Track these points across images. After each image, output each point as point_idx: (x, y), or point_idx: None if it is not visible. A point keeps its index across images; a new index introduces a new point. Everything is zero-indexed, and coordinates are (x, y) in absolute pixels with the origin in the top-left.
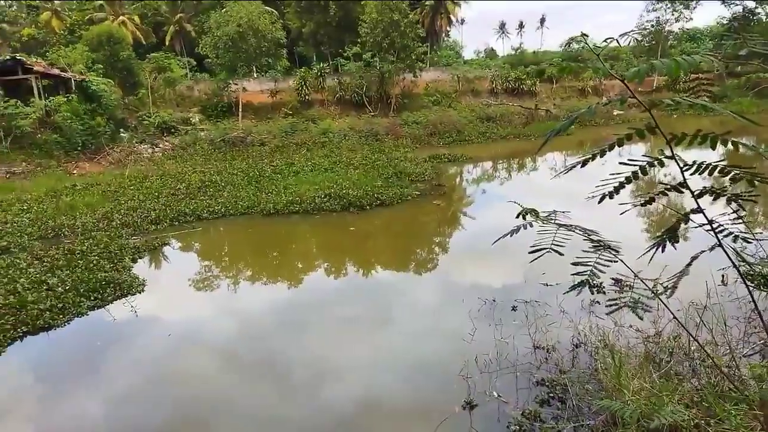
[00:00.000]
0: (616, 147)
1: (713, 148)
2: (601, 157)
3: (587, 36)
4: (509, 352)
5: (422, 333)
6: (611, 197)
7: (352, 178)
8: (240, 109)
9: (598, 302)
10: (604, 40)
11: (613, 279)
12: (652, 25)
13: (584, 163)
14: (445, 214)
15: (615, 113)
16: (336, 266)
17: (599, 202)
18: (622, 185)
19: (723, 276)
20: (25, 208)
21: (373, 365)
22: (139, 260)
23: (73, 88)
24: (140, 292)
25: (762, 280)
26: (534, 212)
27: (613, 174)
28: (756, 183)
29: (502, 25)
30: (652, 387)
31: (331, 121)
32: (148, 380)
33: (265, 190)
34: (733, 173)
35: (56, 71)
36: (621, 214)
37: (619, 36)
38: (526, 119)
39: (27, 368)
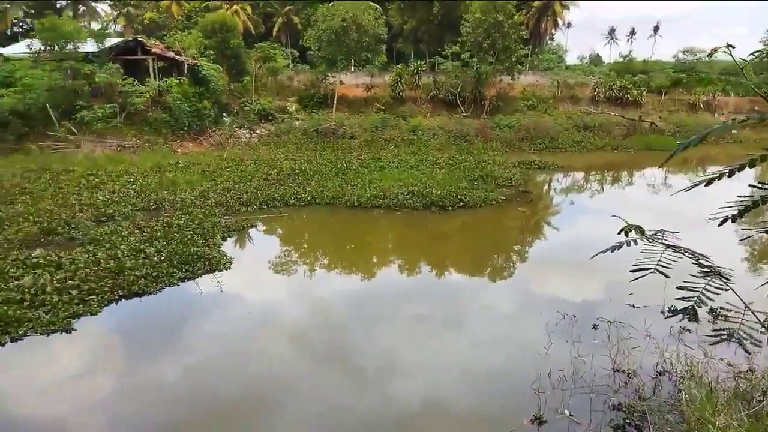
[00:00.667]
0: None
1: None
2: (729, 176)
3: (733, 47)
4: (586, 371)
5: (495, 340)
6: (734, 220)
7: (437, 177)
8: (335, 102)
9: (688, 330)
10: (725, 46)
11: (711, 308)
12: None
13: (709, 183)
14: (528, 222)
15: (717, 132)
16: (412, 264)
17: (720, 225)
18: (747, 209)
19: None
20: (131, 180)
21: (442, 366)
22: (228, 239)
23: (185, 72)
24: (227, 269)
25: None
26: (639, 229)
27: (740, 197)
28: None
29: (612, 31)
30: (739, 425)
31: (422, 118)
32: (226, 353)
33: (350, 183)
34: None
35: (171, 54)
36: (742, 239)
37: (750, 55)
38: (627, 131)
39: (118, 329)
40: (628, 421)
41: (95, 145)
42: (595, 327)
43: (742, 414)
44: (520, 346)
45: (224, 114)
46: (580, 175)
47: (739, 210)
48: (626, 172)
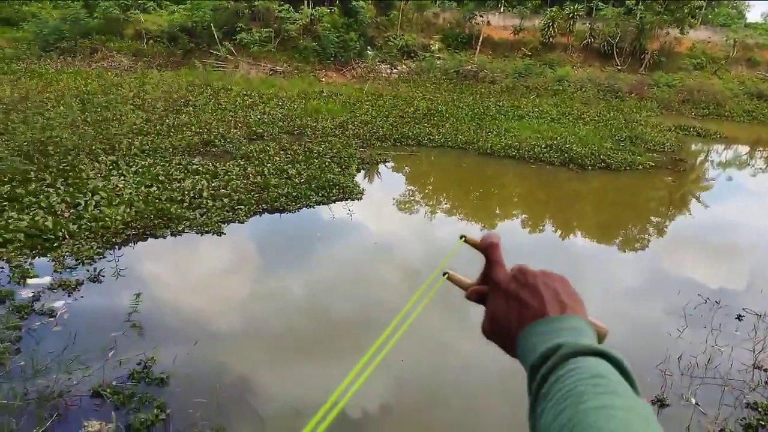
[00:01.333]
0: None
1: None
2: None
3: None
4: (722, 362)
5: (622, 313)
6: None
7: (579, 133)
8: (479, 43)
9: None
10: None
11: None
12: None
13: None
14: (674, 194)
15: None
16: (537, 220)
17: None
18: None
19: None
20: (280, 104)
21: None
22: (361, 170)
23: (336, 2)
24: (359, 199)
25: None
26: None
27: None
28: None
29: None
30: None
31: (571, 68)
32: (348, 277)
33: (485, 129)
34: None
35: None
36: None
37: None
38: None
39: (259, 239)
40: (762, 422)
41: (251, 66)
42: (739, 318)
43: None
44: (650, 323)
45: (368, 47)
46: (744, 149)
47: None
48: None
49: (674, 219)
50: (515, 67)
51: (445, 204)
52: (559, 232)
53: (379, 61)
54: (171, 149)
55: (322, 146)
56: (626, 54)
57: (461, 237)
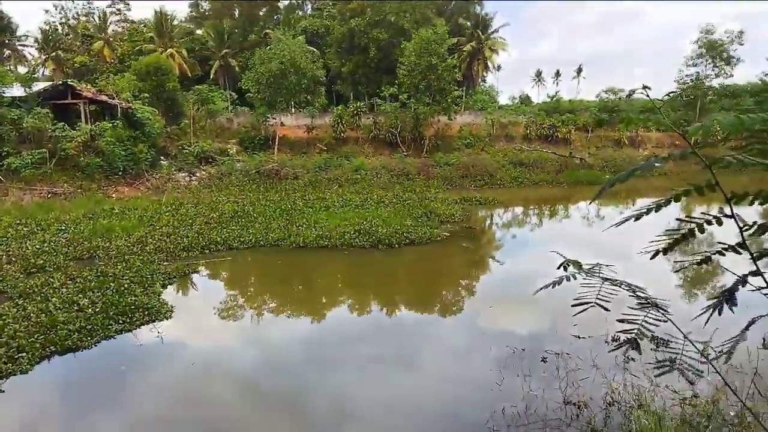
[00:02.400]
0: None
1: None
2: (656, 211)
3: (649, 88)
4: (538, 405)
5: (447, 379)
6: (665, 253)
7: (382, 215)
8: (276, 143)
9: (632, 359)
10: (641, 88)
11: (652, 336)
12: (692, 80)
13: (638, 218)
14: (473, 257)
15: (640, 170)
16: (361, 304)
17: (652, 258)
18: (677, 242)
19: (765, 338)
20: (62, 228)
21: (395, 408)
22: (168, 286)
23: (119, 115)
24: (168, 318)
25: None
26: (577, 264)
27: (668, 231)
28: None
29: (539, 73)
30: None
31: (365, 158)
32: (169, 406)
33: (296, 223)
34: None
35: (104, 98)
36: (676, 271)
37: (665, 96)
38: (560, 166)
39: (52, 388)
40: None
41: (24, 192)
42: (544, 360)
43: None
44: (473, 383)
45: (161, 157)
46: (519, 210)
47: (669, 243)
48: (561, 206)
49: (478, 280)
50: (314, 162)
51: (270, 303)
52: (384, 310)
53: (175, 170)
54: None
55: (119, 267)
56: (409, 141)
57: None
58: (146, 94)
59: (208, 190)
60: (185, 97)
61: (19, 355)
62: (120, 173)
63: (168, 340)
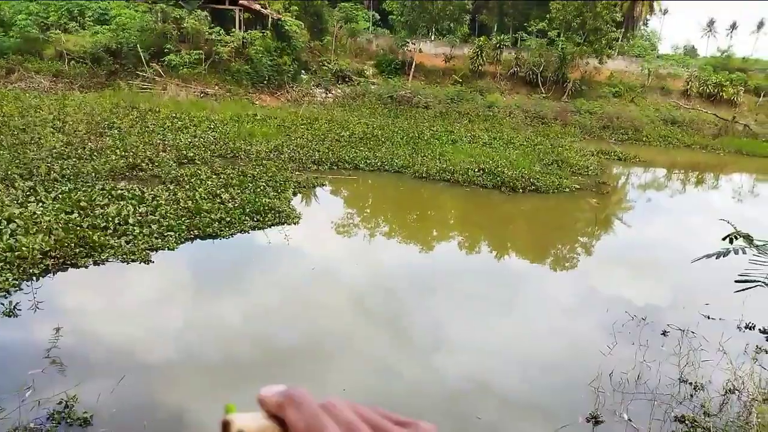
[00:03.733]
0: None
1: None
2: None
3: None
4: (650, 377)
5: (554, 331)
6: None
7: (509, 157)
8: (412, 69)
9: (766, 351)
10: None
11: None
12: None
13: None
14: (599, 215)
15: None
16: (473, 242)
17: None
18: None
19: None
20: (211, 126)
21: (495, 351)
22: (298, 194)
23: (269, 26)
24: (295, 224)
25: None
26: (748, 238)
27: None
28: None
29: (711, 23)
30: None
31: (500, 95)
32: (286, 302)
33: (421, 153)
34: None
35: (257, 7)
36: None
37: None
38: (719, 131)
39: (191, 266)
40: None
41: (180, 88)
42: (664, 333)
43: None
44: (581, 341)
45: (303, 71)
46: (661, 172)
47: None
48: (712, 175)
49: (600, 239)
50: (447, 93)
51: (384, 227)
52: (494, 252)
53: (313, 85)
54: (94, 174)
55: (257, 170)
56: (550, 82)
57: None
58: (295, 8)
59: (342, 109)
60: (330, 13)
61: (168, 233)
62: (264, 82)
63: (293, 244)
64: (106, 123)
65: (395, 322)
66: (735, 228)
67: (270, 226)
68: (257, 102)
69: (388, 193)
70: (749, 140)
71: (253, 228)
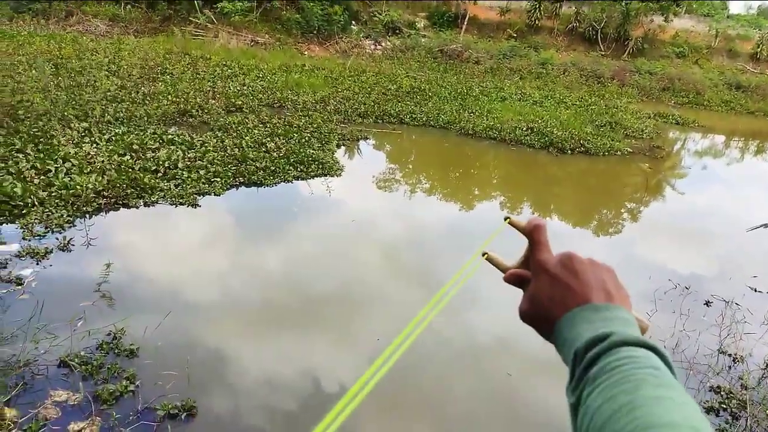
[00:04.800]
0: None
1: None
2: None
3: None
4: (688, 347)
5: None
6: None
7: (560, 117)
8: (465, 22)
9: None
10: None
11: None
12: None
13: None
14: (651, 180)
15: None
16: (514, 203)
17: None
18: None
19: None
20: (260, 76)
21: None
22: (342, 147)
23: None
24: (338, 176)
25: None
26: None
27: None
28: None
29: None
30: None
31: (555, 52)
32: (325, 252)
33: (468, 109)
34: None
35: None
36: None
37: None
38: None
39: (235, 212)
40: (724, 406)
41: (231, 36)
42: (707, 304)
43: None
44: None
45: (353, 22)
46: (720, 139)
47: None
48: None
49: (649, 205)
50: (500, 49)
51: (425, 183)
52: (536, 214)
53: (363, 37)
54: (146, 118)
55: (302, 121)
56: (610, 39)
57: (505, 218)
58: None
59: (390, 62)
60: None
61: (215, 179)
62: (314, 32)
63: (335, 195)
64: (159, 68)
65: (428, 277)
66: None
67: (313, 177)
68: (306, 52)
69: (432, 149)
70: None
71: (297, 178)
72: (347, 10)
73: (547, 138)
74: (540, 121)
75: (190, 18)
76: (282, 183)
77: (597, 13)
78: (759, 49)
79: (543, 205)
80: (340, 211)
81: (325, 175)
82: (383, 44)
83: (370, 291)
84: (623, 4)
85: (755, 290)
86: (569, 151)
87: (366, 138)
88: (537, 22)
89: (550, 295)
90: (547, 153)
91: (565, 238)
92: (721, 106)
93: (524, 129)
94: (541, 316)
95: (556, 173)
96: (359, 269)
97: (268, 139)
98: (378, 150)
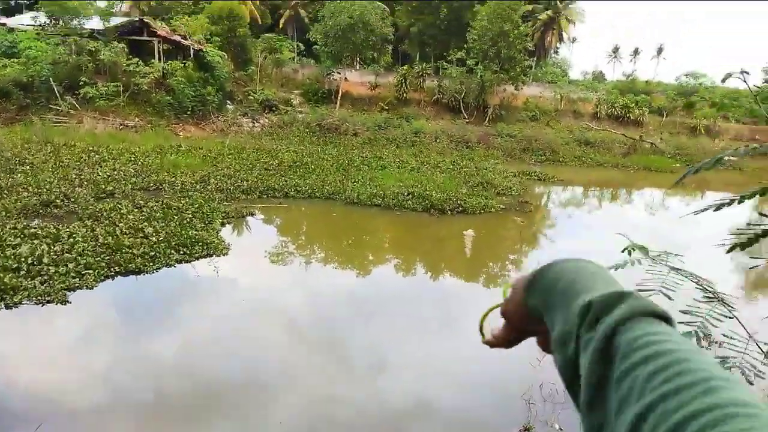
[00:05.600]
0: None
1: None
2: (739, 203)
3: (748, 73)
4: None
5: (486, 348)
6: (743, 248)
7: (437, 180)
8: (339, 98)
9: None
10: (739, 72)
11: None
12: None
13: (718, 208)
14: (525, 233)
15: (726, 158)
16: (408, 264)
17: (728, 252)
18: (758, 237)
19: None
20: (132, 159)
21: (432, 368)
22: (226, 225)
23: (190, 56)
24: (224, 255)
25: None
26: (643, 249)
27: (751, 225)
28: None
29: (615, 49)
30: None
31: (425, 121)
32: (218, 336)
33: (351, 179)
34: None
35: (177, 38)
36: (751, 267)
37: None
38: (628, 149)
39: (113, 305)
40: None
41: (97, 121)
42: None
43: None
44: (511, 356)
45: (228, 101)
46: (578, 190)
47: (749, 238)
48: (625, 191)
49: (528, 255)
50: (375, 120)
51: (320, 253)
52: (429, 274)
53: (240, 115)
54: (4, 213)
55: (182, 202)
56: (472, 108)
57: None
58: (217, 38)
59: (270, 138)
60: (254, 44)
61: (86, 271)
62: (188, 113)
63: (223, 275)
64: (17, 159)
65: (334, 349)
66: (631, 241)
67: (197, 259)
68: (181, 133)
69: (320, 219)
70: (656, 157)
71: (180, 261)
72: (221, 90)
73: (427, 201)
74: (419, 186)
75: (51, 105)
76: (164, 268)
77: (457, 85)
78: (598, 109)
79: (434, 265)
80: (230, 291)
81: (211, 255)
82: (261, 121)
83: (271, 371)
84: (479, 76)
85: None
86: (449, 212)
87: (252, 214)
88: (405, 95)
89: (512, 310)
90: (429, 215)
91: (462, 293)
92: (574, 161)
93: (406, 194)
94: (523, 318)
95: (440, 233)
96: (257, 349)
97: (146, 223)
98: (267, 224)
